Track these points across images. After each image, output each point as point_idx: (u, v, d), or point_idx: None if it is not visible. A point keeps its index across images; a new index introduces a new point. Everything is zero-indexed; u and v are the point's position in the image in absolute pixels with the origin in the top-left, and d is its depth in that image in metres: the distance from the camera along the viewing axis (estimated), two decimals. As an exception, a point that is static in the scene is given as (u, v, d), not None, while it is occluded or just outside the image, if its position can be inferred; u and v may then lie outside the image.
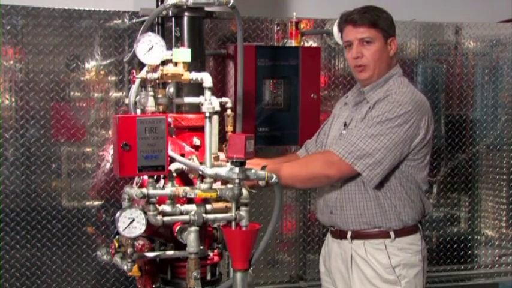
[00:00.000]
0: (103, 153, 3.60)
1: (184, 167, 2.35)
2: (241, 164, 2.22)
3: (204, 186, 2.30)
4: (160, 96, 2.40)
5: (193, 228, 2.30)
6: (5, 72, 3.43)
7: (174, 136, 2.59)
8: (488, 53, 4.33)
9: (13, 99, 3.45)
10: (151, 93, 2.36)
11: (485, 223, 4.40)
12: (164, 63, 2.37)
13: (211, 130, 2.37)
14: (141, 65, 2.36)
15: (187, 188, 2.30)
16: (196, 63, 2.59)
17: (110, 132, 3.58)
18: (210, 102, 2.38)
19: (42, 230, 3.52)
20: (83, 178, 3.59)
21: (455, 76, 4.26)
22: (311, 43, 3.92)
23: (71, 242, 3.57)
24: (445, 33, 4.24)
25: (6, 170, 3.45)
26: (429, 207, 2.86)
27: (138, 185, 2.40)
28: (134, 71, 2.38)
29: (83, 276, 3.61)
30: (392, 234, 2.73)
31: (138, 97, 2.38)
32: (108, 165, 3.60)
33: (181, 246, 2.37)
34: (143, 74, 2.34)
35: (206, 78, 2.41)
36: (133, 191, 2.25)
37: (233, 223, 2.34)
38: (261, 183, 2.29)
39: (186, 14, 2.67)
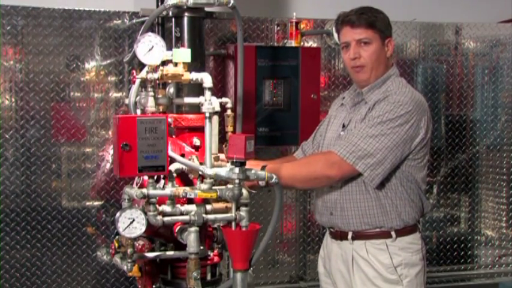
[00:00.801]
0: (103, 154, 3.60)
1: (184, 167, 2.35)
2: (241, 164, 2.22)
3: (204, 186, 2.30)
4: (160, 96, 2.40)
5: (193, 229, 2.30)
6: (5, 73, 3.43)
7: (174, 136, 2.58)
8: (488, 53, 4.33)
9: (13, 100, 3.46)
10: (152, 93, 2.36)
11: (485, 223, 4.40)
12: (164, 63, 2.37)
13: (211, 130, 2.37)
14: (141, 66, 2.36)
15: (187, 189, 2.30)
16: (196, 64, 2.59)
17: (110, 133, 3.58)
18: (210, 102, 2.38)
19: (42, 230, 3.52)
20: (83, 178, 3.59)
21: (455, 76, 4.26)
22: (311, 43, 3.92)
23: (71, 243, 3.57)
24: (445, 34, 4.24)
25: (7, 171, 3.45)
26: (428, 207, 2.87)
27: (138, 185, 2.40)
28: (134, 72, 2.38)
29: (83, 276, 3.61)
30: (393, 233, 2.73)
31: (138, 97, 2.38)
32: (108, 166, 3.60)
33: (181, 247, 2.37)
34: (143, 74, 2.34)
35: (206, 79, 2.41)
36: (133, 191, 2.25)
37: (233, 223, 2.35)
38: (261, 183, 2.29)
39: (186, 14, 2.67)
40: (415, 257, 2.77)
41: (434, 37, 4.21)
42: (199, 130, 2.51)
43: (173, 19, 2.72)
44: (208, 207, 2.35)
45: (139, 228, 2.23)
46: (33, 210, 3.50)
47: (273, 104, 3.54)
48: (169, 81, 2.42)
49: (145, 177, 2.33)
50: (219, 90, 3.62)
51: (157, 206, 2.27)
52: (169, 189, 2.28)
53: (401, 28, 4.07)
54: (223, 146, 2.57)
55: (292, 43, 3.67)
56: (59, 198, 3.55)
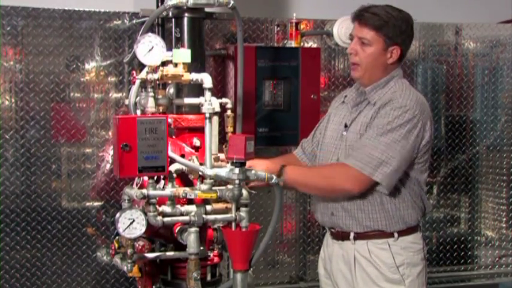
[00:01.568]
0: (103, 154, 3.60)
1: (184, 167, 2.35)
2: (241, 164, 2.22)
3: (204, 187, 2.30)
4: (160, 97, 2.40)
5: (193, 229, 2.30)
6: (5, 73, 3.43)
7: (174, 137, 2.58)
8: (488, 54, 4.33)
9: (13, 100, 3.45)
10: (152, 94, 2.36)
11: (485, 224, 4.40)
12: (164, 64, 2.37)
13: (211, 131, 2.37)
14: (141, 66, 2.36)
15: (187, 189, 2.30)
16: (196, 64, 2.58)
17: (110, 133, 3.58)
18: (210, 103, 2.38)
19: (43, 231, 3.52)
20: (83, 179, 3.59)
21: (455, 77, 4.26)
22: (311, 44, 3.92)
23: (71, 243, 3.57)
24: (445, 34, 4.24)
25: (7, 171, 3.45)
26: (429, 207, 2.87)
27: (138, 185, 2.40)
28: (134, 72, 2.38)
29: (83, 277, 3.61)
30: (395, 233, 2.73)
31: (138, 98, 2.38)
32: (108, 166, 3.60)
33: (181, 247, 2.37)
34: (143, 74, 2.34)
35: (206, 79, 2.41)
36: (133, 191, 2.25)
37: (233, 224, 2.35)
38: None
39: (186, 14, 2.66)
40: (417, 256, 2.76)
41: (434, 37, 4.21)
42: (199, 130, 2.51)
43: (173, 20, 2.72)
44: (208, 207, 2.35)
45: (139, 228, 2.23)
46: (33, 210, 3.50)
47: (273, 104, 3.54)
48: (169, 81, 2.42)
49: (145, 178, 2.33)
50: (219, 90, 3.62)
51: (157, 206, 2.27)
52: (169, 190, 2.28)
53: (401, 28, 4.06)
54: (223, 146, 2.56)
55: (292, 43, 3.67)
56: (59, 198, 3.55)
